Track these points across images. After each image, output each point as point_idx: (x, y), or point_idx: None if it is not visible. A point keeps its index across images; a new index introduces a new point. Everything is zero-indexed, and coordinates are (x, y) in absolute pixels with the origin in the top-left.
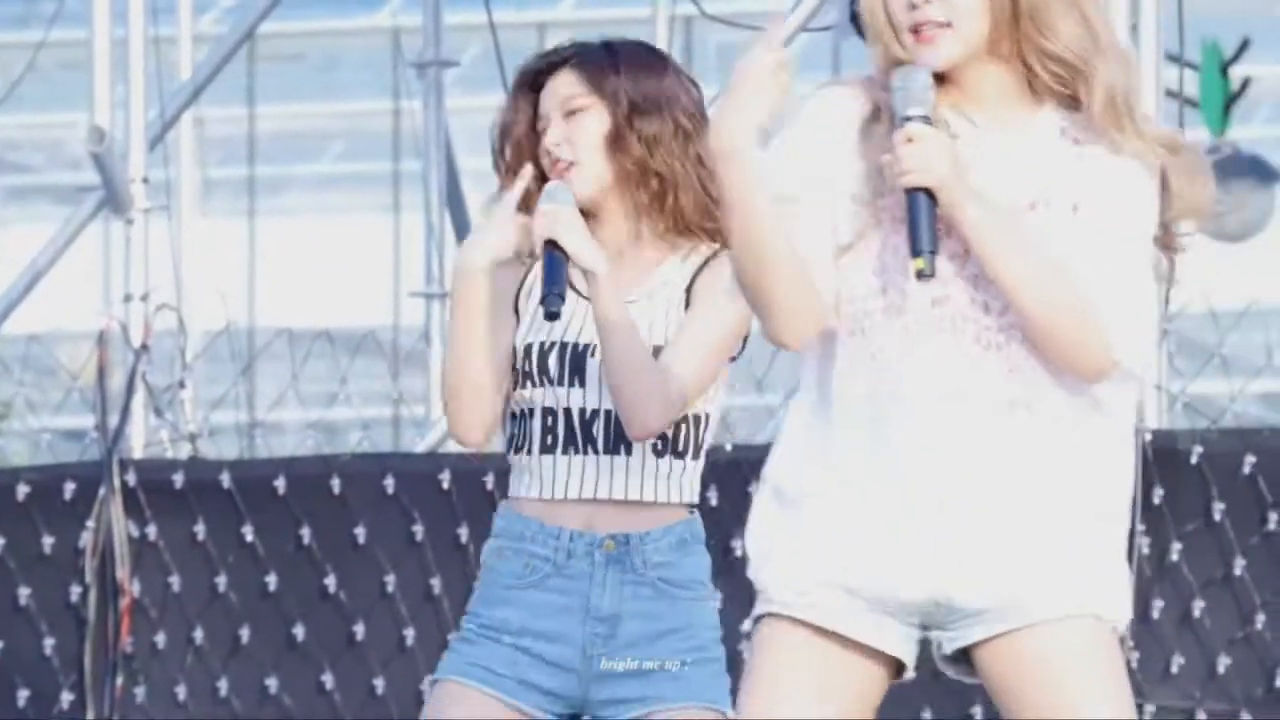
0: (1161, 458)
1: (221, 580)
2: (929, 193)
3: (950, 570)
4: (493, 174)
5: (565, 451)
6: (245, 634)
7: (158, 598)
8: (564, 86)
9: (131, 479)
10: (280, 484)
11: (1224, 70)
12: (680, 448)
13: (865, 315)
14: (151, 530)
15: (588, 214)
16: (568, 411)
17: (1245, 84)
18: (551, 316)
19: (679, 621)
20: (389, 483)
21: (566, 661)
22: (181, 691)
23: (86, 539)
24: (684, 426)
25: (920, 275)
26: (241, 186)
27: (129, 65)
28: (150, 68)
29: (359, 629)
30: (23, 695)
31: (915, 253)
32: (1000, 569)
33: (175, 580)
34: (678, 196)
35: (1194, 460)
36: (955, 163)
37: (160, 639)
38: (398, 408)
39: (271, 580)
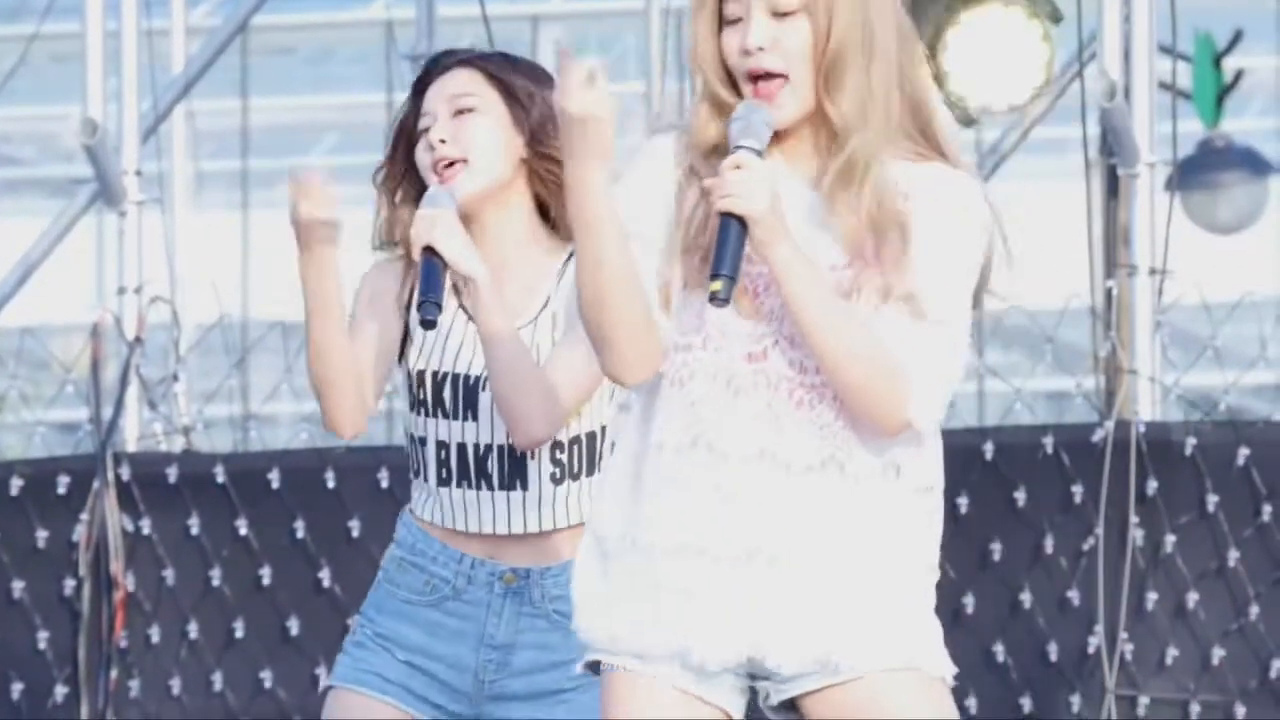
0: (1155, 450)
1: (215, 574)
2: (742, 222)
3: (763, 631)
4: None
5: (460, 485)
6: (239, 627)
7: (152, 591)
8: (455, 84)
9: (125, 472)
10: (274, 477)
11: (1217, 62)
12: (575, 470)
13: (684, 365)
14: (145, 524)
15: (467, 220)
16: (461, 447)
17: (1238, 76)
18: (428, 325)
19: (573, 653)
20: (383, 476)
21: (459, 684)
22: (176, 685)
23: (80, 532)
24: (576, 448)
25: (714, 298)
26: (234, 179)
27: (121, 58)
28: (143, 60)
29: (353, 623)
30: (16, 689)
31: (714, 275)
32: (814, 630)
33: (169, 574)
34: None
35: (1188, 452)
36: (775, 200)
37: (154, 633)
38: (391, 401)
39: (266, 574)
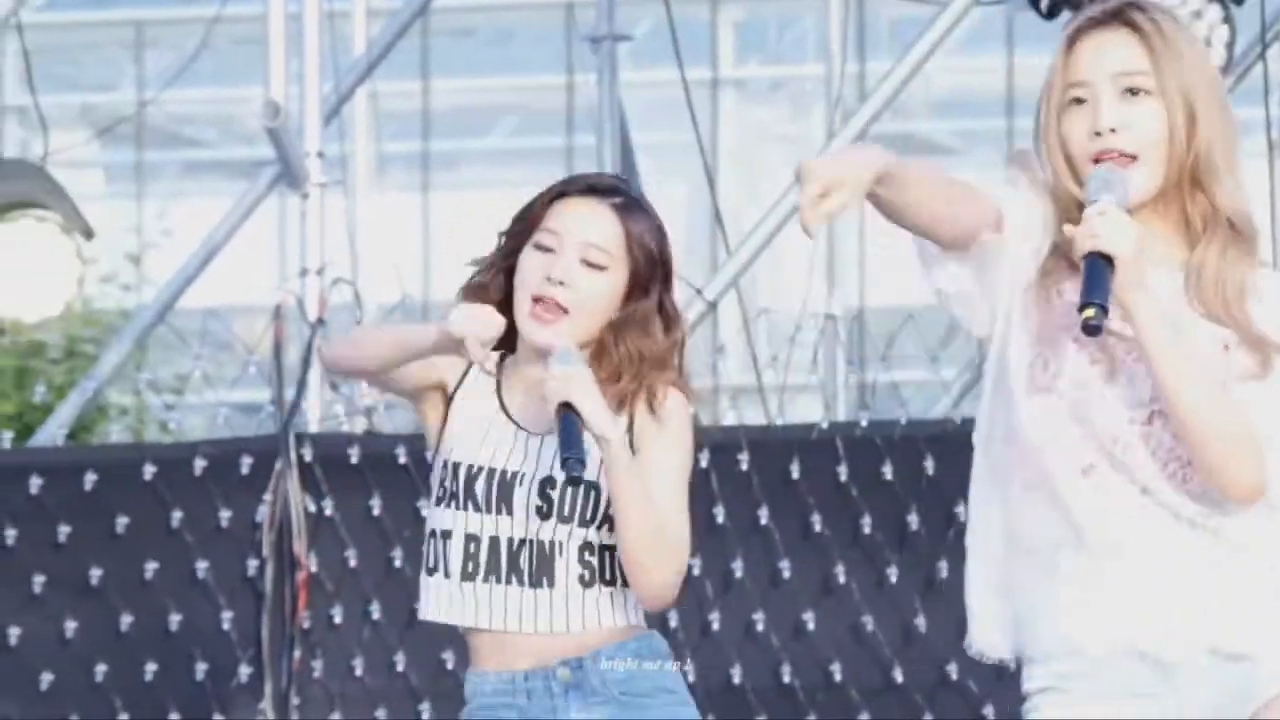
0: None
1: (397, 554)
2: (1109, 262)
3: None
4: (665, 147)
5: (486, 580)
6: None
7: (334, 572)
8: (597, 232)
9: (308, 453)
10: None
11: None
12: (608, 576)
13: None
14: (328, 504)
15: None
16: (494, 540)
17: None
18: (574, 482)
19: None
20: None
21: None
22: (358, 665)
23: (263, 513)
24: (608, 554)
25: (1087, 325)
26: (415, 161)
27: (304, 40)
28: (325, 42)
29: None
30: (201, 669)
31: (1085, 304)
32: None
33: (351, 554)
34: (647, 352)
35: None
36: (1140, 252)
37: (337, 613)
38: None
39: None
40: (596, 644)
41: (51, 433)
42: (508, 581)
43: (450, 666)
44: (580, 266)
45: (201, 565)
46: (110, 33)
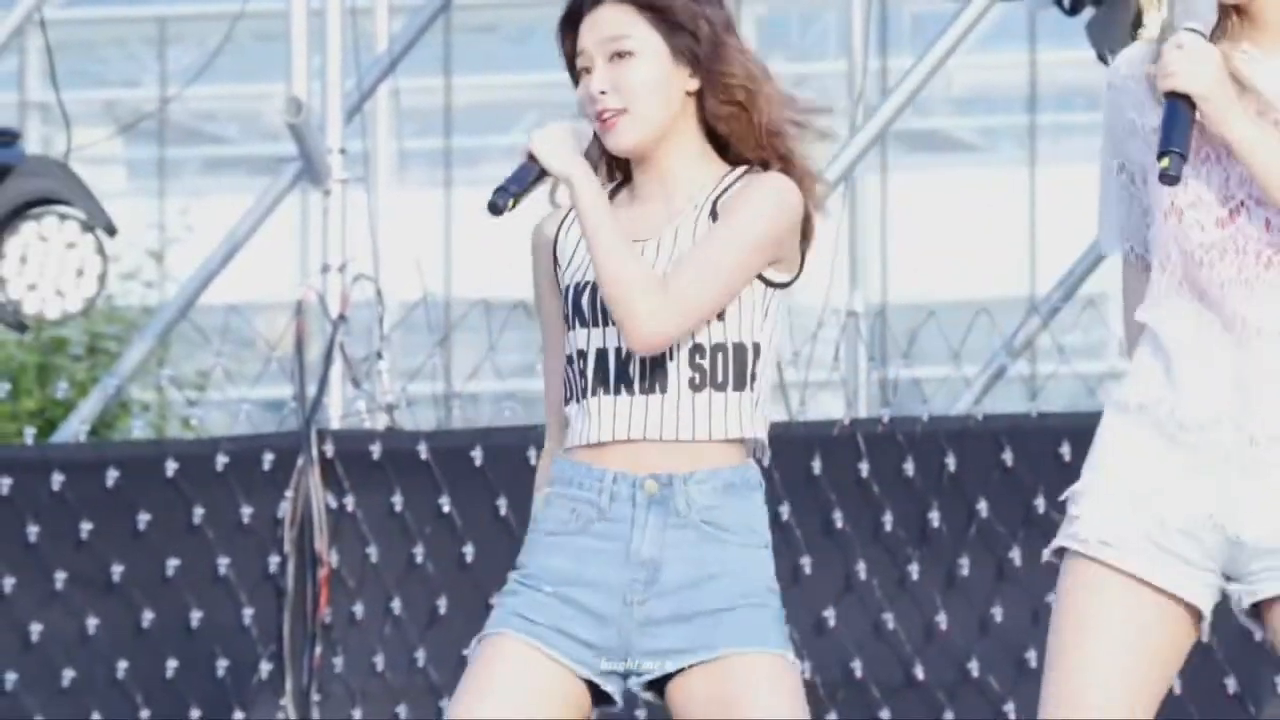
0: None
1: (419, 551)
2: (1190, 102)
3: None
4: None
5: (608, 393)
6: (443, 604)
7: (355, 568)
8: (608, 25)
9: (330, 449)
10: (477, 455)
11: None
12: (719, 379)
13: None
14: (349, 501)
15: (636, 157)
16: (601, 353)
17: None
18: (493, 209)
19: (725, 567)
20: None
21: (606, 610)
22: (379, 661)
23: (285, 509)
24: (720, 355)
25: (1164, 175)
26: (437, 157)
27: (326, 36)
28: (347, 39)
29: None
30: (222, 665)
31: (1163, 152)
32: None
33: (373, 550)
34: (755, 119)
35: None
36: (1223, 81)
37: (358, 609)
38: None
39: (469, 551)
40: (699, 463)
41: (74, 429)
42: (617, 391)
43: None
44: (612, 66)
45: (223, 562)
46: (133, 29)
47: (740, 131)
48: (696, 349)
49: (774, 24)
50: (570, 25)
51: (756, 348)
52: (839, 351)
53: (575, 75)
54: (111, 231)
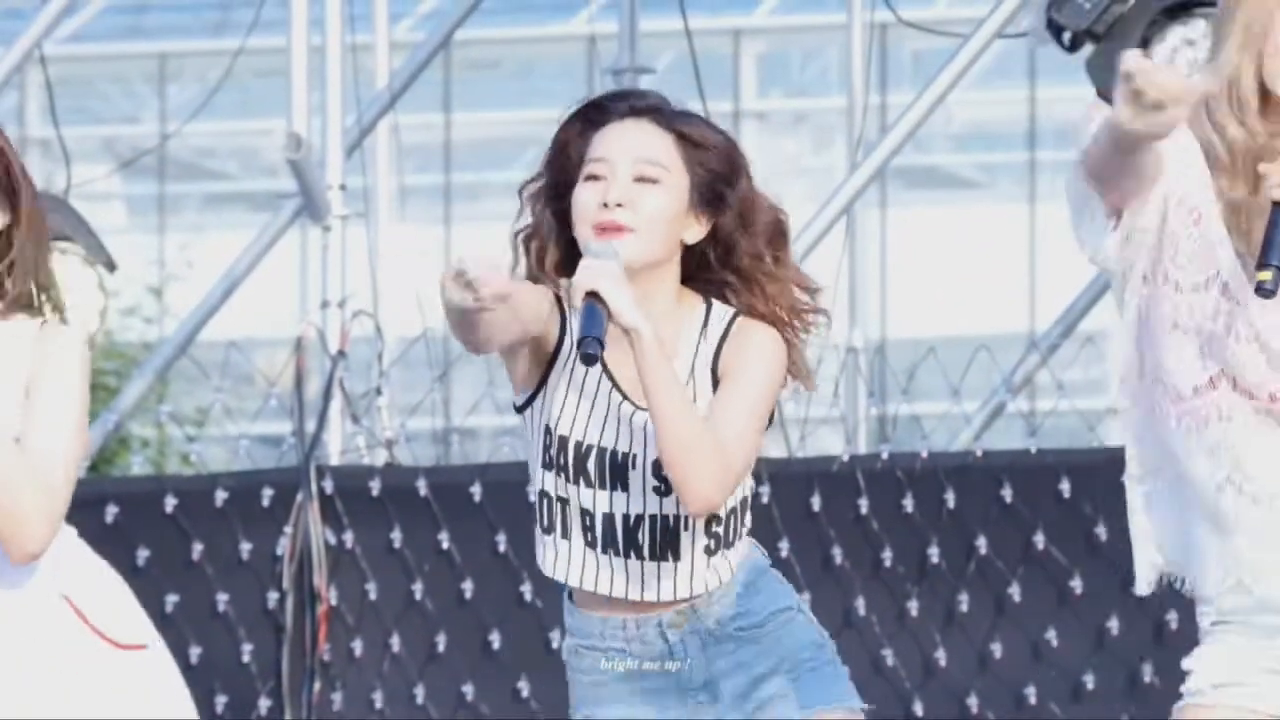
0: None
1: (418, 587)
2: None
3: None
4: None
5: (606, 552)
6: (441, 641)
7: (354, 604)
8: (645, 146)
9: (329, 485)
10: (476, 490)
11: None
12: (730, 540)
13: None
14: (348, 537)
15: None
16: (609, 517)
17: None
18: (589, 360)
19: (773, 658)
20: None
21: None
22: (378, 698)
23: (284, 545)
24: (732, 519)
25: (1260, 288)
26: (438, 193)
27: (326, 72)
28: (347, 75)
29: (554, 636)
30: (220, 701)
31: (1263, 265)
32: None
33: (372, 587)
34: (760, 280)
35: None
36: None
37: (357, 646)
38: None
39: (468, 587)
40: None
41: None
42: (626, 555)
43: (470, 699)
44: (635, 185)
45: (222, 597)
46: (133, 65)
47: (736, 286)
48: (714, 517)
49: (774, 59)
50: (589, 124)
51: (748, 499)
52: (838, 387)
53: (561, 167)
54: (111, 267)
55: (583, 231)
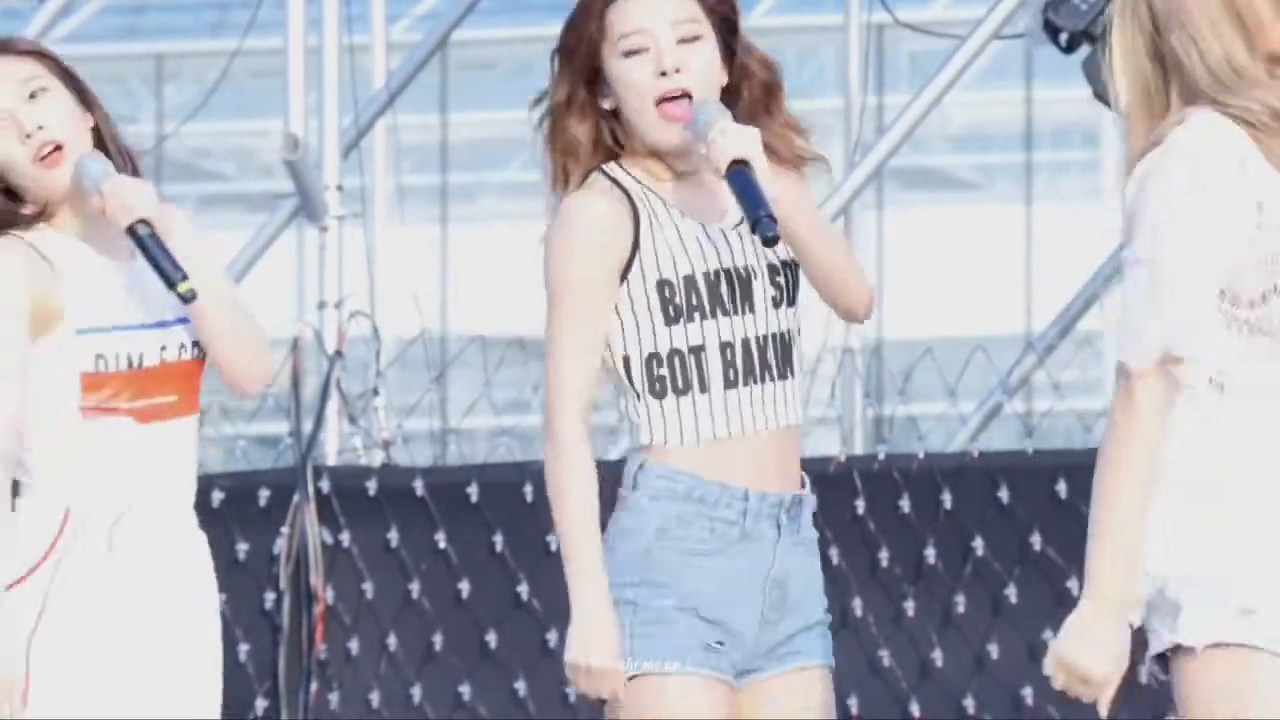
0: None
1: (415, 587)
2: None
3: None
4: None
5: (747, 383)
6: (438, 641)
7: (351, 604)
8: (677, 8)
9: (325, 486)
10: (473, 491)
11: None
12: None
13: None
14: (345, 537)
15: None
16: (745, 342)
17: None
18: (771, 241)
19: (819, 579)
20: None
21: (745, 628)
22: (375, 698)
23: (281, 545)
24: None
25: None
26: (434, 193)
27: (323, 73)
28: (344, 76)
29: (552, 636)
30: None
31: None
32: None
33: (369, 587)
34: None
35: None
36: None
37: (354, 646)
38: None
39: (464, 587)
40: (799, 481)
41: None
42: (763, 380)
43: (467, 699)
44: (681, 47)
45: (219, 598)
46: (130, 66)
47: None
48: (798, 330)
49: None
50: (604, 2)
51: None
52: (835, 388)
53: (580, 59)
54: None
55: (639, 107)
